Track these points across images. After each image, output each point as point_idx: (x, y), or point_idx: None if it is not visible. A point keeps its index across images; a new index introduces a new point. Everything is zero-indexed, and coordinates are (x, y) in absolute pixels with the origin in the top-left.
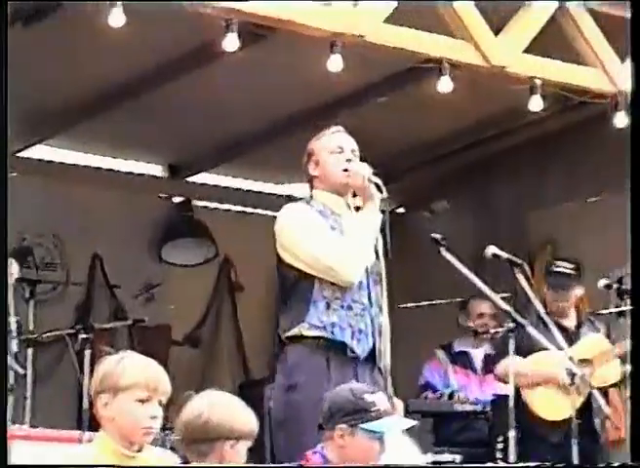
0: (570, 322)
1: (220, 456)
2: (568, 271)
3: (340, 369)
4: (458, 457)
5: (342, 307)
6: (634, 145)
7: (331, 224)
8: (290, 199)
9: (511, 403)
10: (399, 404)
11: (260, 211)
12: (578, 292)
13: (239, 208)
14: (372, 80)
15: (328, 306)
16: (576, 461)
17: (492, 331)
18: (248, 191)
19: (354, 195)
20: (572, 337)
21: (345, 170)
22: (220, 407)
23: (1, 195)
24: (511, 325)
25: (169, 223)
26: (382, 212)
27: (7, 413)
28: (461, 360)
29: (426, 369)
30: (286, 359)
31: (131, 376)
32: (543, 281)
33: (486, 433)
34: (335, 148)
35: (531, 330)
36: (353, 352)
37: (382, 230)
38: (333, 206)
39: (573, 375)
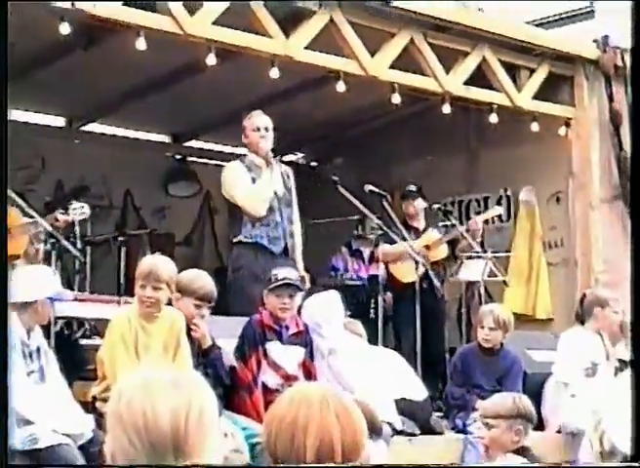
0: (420, 225)
1: (179, 305)
2: (414, 189)
3: (264, 258)
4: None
5: (262, 225)
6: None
7: (252, 176)
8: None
9: (380, 277)
10: (307, 278)
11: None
12: (420, 203)
13: (216, 161)
14: (292, 83)
15: (253, 225)
16: (419, 310)
17: (371, 236)
18: (221, 152)
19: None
20: (419, 235)
21: (258, 143)
22: (181, 272)
23: (1, 193)
24: (380, 232)
25: (172, 171)
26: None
27: (7, 414)
28: (357, 254)
29: (334, 258)
30: (232, 253)
31: (140, 272)
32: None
33: (364, 297)
34: (255, 127)
35: (392, 234)
36: (271, 251)
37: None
38: (256, 162)
39: (412, 248)
